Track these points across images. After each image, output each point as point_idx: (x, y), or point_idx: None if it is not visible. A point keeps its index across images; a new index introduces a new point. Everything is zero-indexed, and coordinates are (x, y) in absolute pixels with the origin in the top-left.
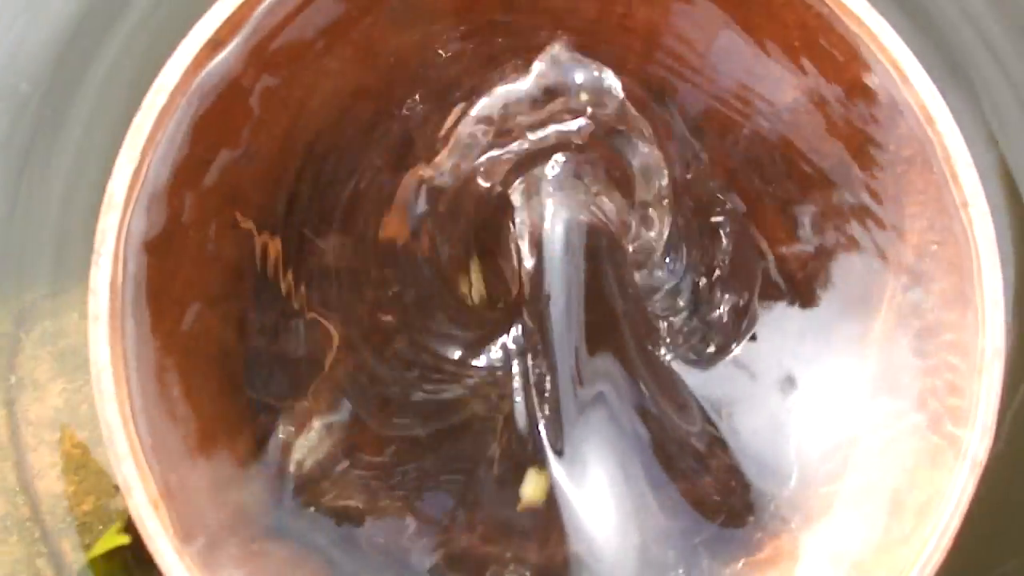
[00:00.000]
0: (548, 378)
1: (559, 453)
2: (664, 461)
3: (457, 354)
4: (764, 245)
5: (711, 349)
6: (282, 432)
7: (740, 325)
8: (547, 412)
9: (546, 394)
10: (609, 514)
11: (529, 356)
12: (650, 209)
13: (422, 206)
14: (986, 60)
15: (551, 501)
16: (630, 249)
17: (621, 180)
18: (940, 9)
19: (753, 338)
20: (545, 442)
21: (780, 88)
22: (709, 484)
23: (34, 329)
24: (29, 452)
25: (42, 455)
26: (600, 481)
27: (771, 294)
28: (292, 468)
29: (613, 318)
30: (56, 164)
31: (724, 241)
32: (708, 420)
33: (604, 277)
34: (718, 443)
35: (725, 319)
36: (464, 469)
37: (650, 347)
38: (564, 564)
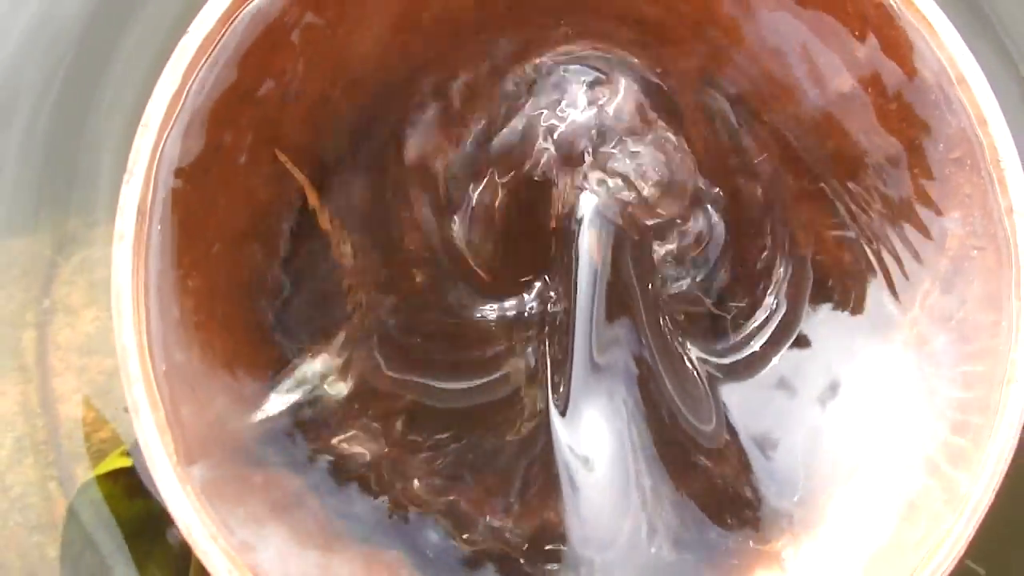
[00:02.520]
0: (564, 341)
1: (563, 413)
2: (665, 450)
3: (480, 313)
4: (804, 240)
5: (749, 350)
6: (300, 371)
7: (779, 329)
8: (557, 377)
9: (559, 356)
10: (603, 487)
11: (548, 319)
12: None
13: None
14: None
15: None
16: (663, 248)
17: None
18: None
19: (792, 345)
20: (551, 401)
21: (836, 76)
22: (716, 484)
23: (73, 256)
24: (54, 376)
25: (67, 380)
26: (598, 451)
27: (810, 295)
28: (304, 408)
29: (632, 298)
30: (118, 97)
31: (765, 238)
32: (728, 424)
33: (625, 264)
34: (733, 449)
35: (762, 321)
36: (475, 427)
37: (670, 337)
38: (557, 527)
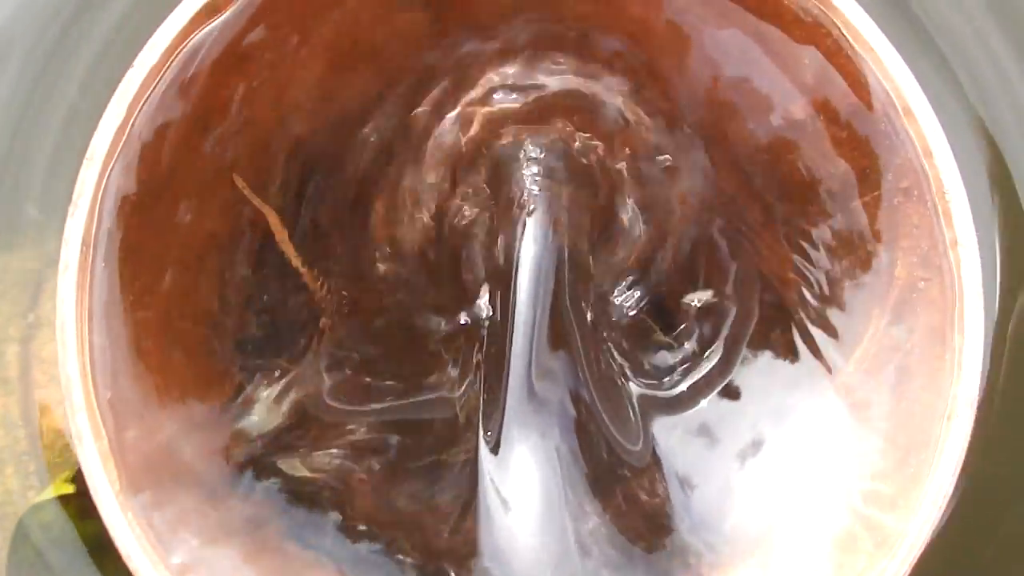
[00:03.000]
0: (500, 370)
1: (494, 451)
2: (593, 475)
3: (438, 326)
4: (749, 275)
5: (679, 389)
6: (252, 396)
7: (711, 372)
8: (490, 408)
9: (494, 385)
10: (528, 519)
11: (487, 346)
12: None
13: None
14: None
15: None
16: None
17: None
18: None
19: (721, 393)
20: (481, 437)
21: (787, 102)
22: (642, 508)
23: None
24: (37, 389)
25: (50, 393)
26: (526, 485)
27: (755, 331)
28: (254, 433)
29: (568, 326)
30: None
31: (719, 265)
32: (653, 449)
33: (564, 285)
34: (654, 474)
35: (693, 361)
36: (418, 452)
37: (604, 359)
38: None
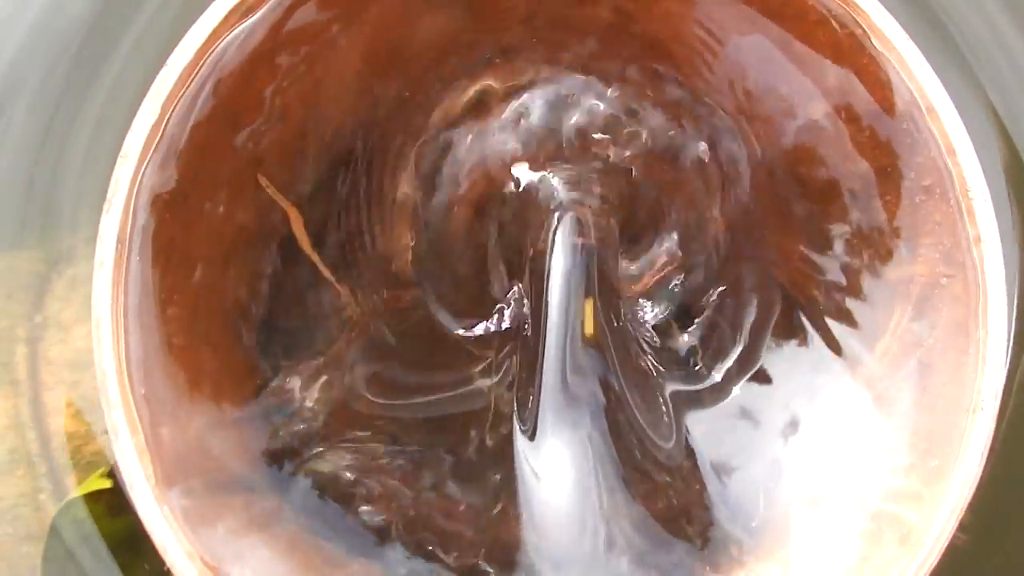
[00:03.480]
0: (533, 365)
1: (531, 437)
2: (628, 471)
3: (463, 330)
4: (772, 272)
5: (711, 380)
6: (280, 392)
7: (739, 361)
8: (526, 397)
9: (527, 378)
10: (566, 508)
11: (520, 344)
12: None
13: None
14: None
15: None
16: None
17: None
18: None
19: (752, 379)
20: (516, 424)
21: (809, 103)
22: (673, 502)
23: (66, 272)
24: (46, 391)
25: (59, 395)
26: (563, 474)
27: (779, 322)
28: (282, 429)
29: (599, 323)
30: (109, 112)
31: (731, 269)
32: (687, 444)
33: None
34: (689, 468)
35: (723, 352)
36: (447, 449)
37: (635, 358)
38: (515, 550)
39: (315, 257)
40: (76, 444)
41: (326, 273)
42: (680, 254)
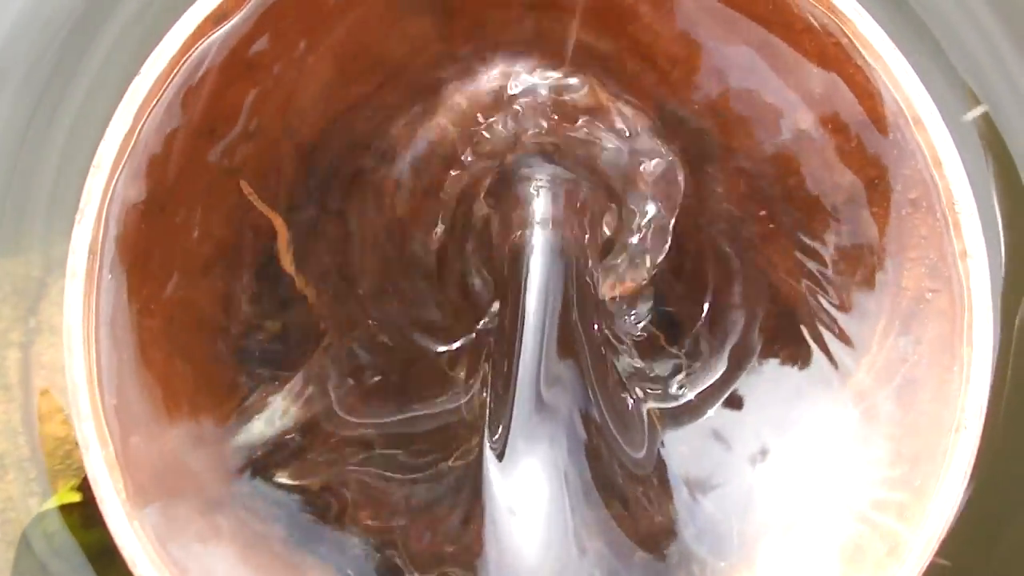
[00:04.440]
0: (508, 377)
1: (499, 457)
2: (599, 481)
3: (439, 348)
4: (756, 285)
5: (685, 398)
6: (256, 406)
7: (718, 382)
8: (496, 415)
9: (501, 393)
10: (532, 525)
11: (493, 357)
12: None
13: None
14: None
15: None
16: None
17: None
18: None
19: (726, 403)
20: (487, 444)
21: (795, 113)
22: (644, 513)
23: (62, 278)
24: (38, 395)
25: (50, 399)
26: (531, 492)
27: (763, 337)
28: (257, 442)
29: (577, 333)
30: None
31: (713, 282)
32: (658, 456)
33: (572, 293)
34: (659, 481)
35: (699, 371)
36: (423, 463)
37: (608, 367)
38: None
39: (292, 270)
40: (67, 449)
41: (302, 287)
42: (659, 265)
